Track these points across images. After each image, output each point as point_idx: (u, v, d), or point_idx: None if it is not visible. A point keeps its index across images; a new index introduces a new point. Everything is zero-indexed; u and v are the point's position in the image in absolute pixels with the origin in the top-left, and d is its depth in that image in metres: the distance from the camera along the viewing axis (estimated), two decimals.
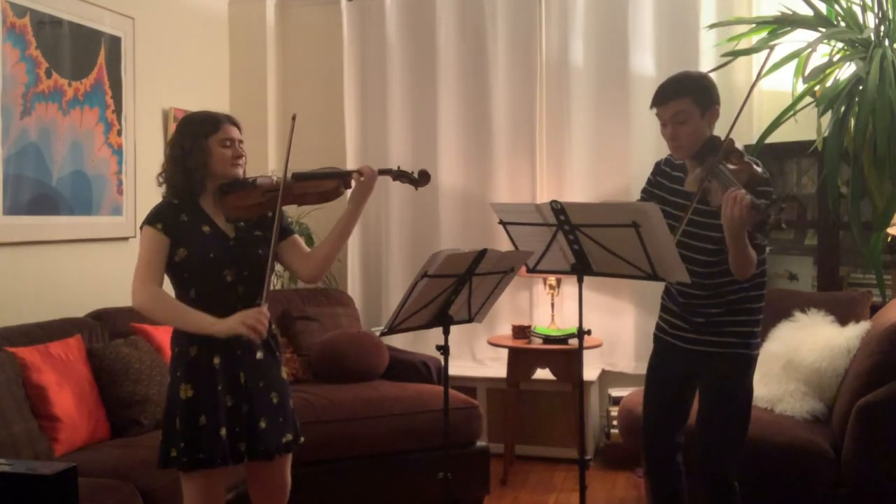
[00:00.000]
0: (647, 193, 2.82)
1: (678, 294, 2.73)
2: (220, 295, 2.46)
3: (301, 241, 2.69)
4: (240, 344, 2.45)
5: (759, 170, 2.49)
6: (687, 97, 2.57)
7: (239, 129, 2.57)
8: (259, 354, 2.52)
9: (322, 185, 2.57)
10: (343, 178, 2.58)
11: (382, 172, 2.63)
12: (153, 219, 2.47)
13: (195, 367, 2.44)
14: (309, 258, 2.65)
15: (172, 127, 4.54)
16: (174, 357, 2.49)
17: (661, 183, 2.78)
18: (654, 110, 2.65)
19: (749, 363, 2.67)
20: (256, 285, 2.49)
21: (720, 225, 2.43)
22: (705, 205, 2.50)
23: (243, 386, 2.48)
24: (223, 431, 2.42)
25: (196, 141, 2.48)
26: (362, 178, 2.56)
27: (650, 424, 2.88)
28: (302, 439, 2.63)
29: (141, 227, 2.50)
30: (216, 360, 2.44)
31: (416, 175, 2.67)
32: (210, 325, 2.39)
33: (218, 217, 2.53)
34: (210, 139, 2.49)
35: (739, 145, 2.57)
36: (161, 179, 2.58)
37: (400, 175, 2.66)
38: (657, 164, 2.84)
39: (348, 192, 2.63)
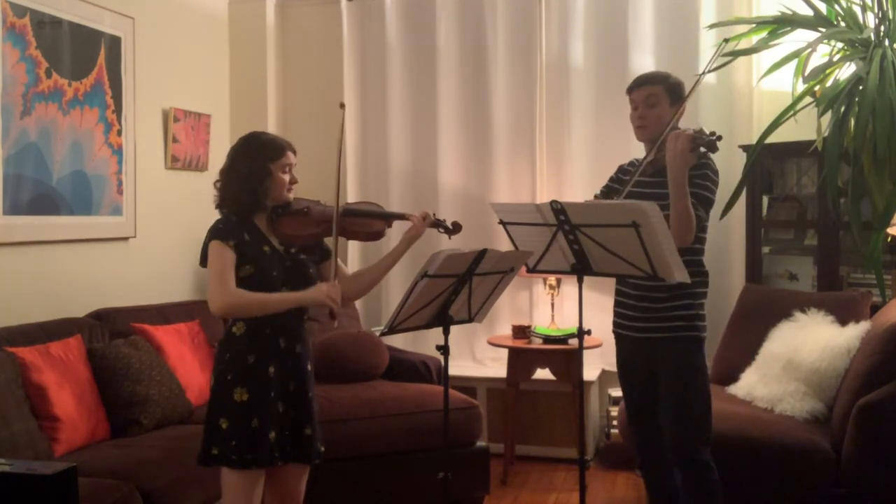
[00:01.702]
0: (607, 188, 3.01)
1: (632, 283, 2.87)
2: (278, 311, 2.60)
3: (342, 263, 2.81)
4: (293, 355, 2.62)
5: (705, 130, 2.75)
6: (660, 84, 2.87)
7: (295, 154, 2.72)
8: (309, 366, 2.68)
9: (371, 225, 2.75)
10: (388, 219, 2.76)
11: (434, 224, 2.80)
12: (225, 235, 2.57)
13: (251, 374, 2.56)
14: (350, 282, 2.78)
15: (173, 127, 4.55)
16: (224, 361, 2.60)
17: (623, 179, 2.97)
18: (629, 96, 2.91)
19: (699, 345, 2.83)
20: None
21: (666, 203, 2.65)
22: (662, 175, 2.70)
23: (292, 394, 2.62)
24: (272, 435, 2.54)
25: (263, 164, 2.62)
26: (417, 222, 2.74)
27: (631, 417, 3.03)
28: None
29: (210, 241, 2.57)
30: (272, 370, 2.58)
31: (450, 225, 2.84)
32: (298, 298, 2.58)
33: (272, 237, 2.67)
34: (274, 164, 2.63)
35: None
36: (220, 192, 2.67)
37: (436, 223, 2.81)
38: (620, 166, 3.08)
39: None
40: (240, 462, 2.51)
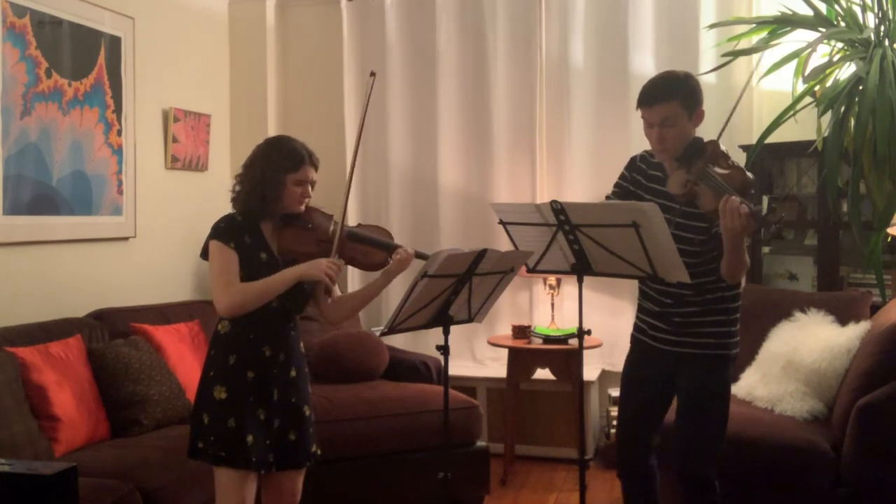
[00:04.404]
0: (621, 189, 2.81)
1: (661, 294, 2.72)
2: (263, 317, 2.60)
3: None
4: (276, 363, 2.60)
5: (749, 175, 2.51)
6: (675, 100, 2.57)
7: (316, 169, 2.66)
8: (293, 373, 2.66)
9: (373, 255, 2.71)
10: (390, 251, 2.70)
11: (418, 256, 2.73)
12: (226, 236, 2.57)
13: (231, 374, 2.57)
14: (335, 306, 2.76)
15: (173, 127, 4.55)
16: (210, 358, 2.63)
17: (638, 180, 2.77)
18: (640, 111, 2.64)
19: (727, 364, 2.71)
20: (295, 312, 2.69)
21: (703, 227, 2.55)
22: (692, 207, 2.54)
23: (276, 402, 2.60)
24: (249, 438, 2.53)
25: (277, 174, 2.58)
26: (399, 258, 2.67)
27: (626, 427, 2.88)
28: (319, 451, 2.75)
29: (210, 240, 2.58)
30: (250, 375, 2.57)
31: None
32: (297, 274, 2.55)
33: (273, 243, 2.64)
34: (289, 175, 2.59)
35: (724, 146, 2.58)
36: (235, 192, 2.65)
37: (418, 255, 2.74)
38: (632, 160, 2.83)
39: None
40: (214, 459, 2.53)
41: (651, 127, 2.62)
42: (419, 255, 2.71)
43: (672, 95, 2.57)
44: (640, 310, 2.86)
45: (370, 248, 2.70)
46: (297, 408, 2.65)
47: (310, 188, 2.65)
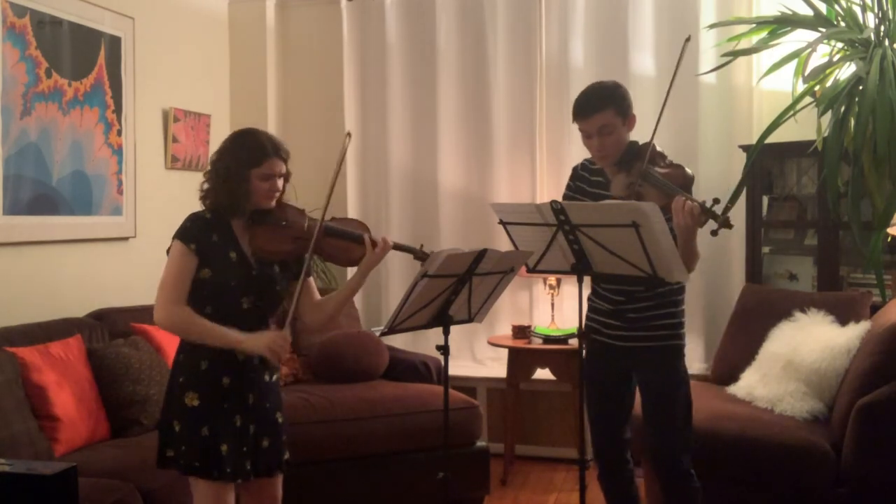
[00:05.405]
0: (567, 199, 2.90)
1: (613, 292, 2.81)
2: (234, 317, 2.49)
3: (314, 286, 2.72)
4: (251, 367, 2.52)
5: (689, 171, 2.64)
6: (609, 108, 2.70)
7: (285, 161, 2.54)
8: (267, 377, 2.58)
9: (352, 250, 2.59)
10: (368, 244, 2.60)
11: (396, 248, 2.65)
12: (188, 237, 2.46)
13: (203, 380, 2.47)
14: (316, 309, 2.68)
15: (172, 127, 4.54)
16: (178, 363, 2.52)
17: (581, 187, 2.89)
18: (577, 124, 2.75)
19: (681, 353, 2.82)
20: (269, 312, 2.59)
21: None
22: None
23: (251, 406, 2.52)
24: (224, 448, 2.44)
25: (240, 169, 2.47)
26: (376, 250, 2.58)
27: (596, 426, 2.94)
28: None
29: (173, 239, 2.49)
30: (225, 381, 2.48)
31: (421, 252, 2.67)
32: (237, 342, 2.44)
33: (244, 241, 2.53)
34: (252, 171, 2.47)
35: (660, 147, 2.68)
36: (203, 190, 2.55)
37: (412, 251, 2.68)
38: (575, 169, 2.97)
39: None
40: (187, 468, 2.44)
41: (590, 137, 2.75)
42: (398, 247, 2.64)
43: (606, 104, 2.70)
44: (592, 310, 2.92)
45: (349, 244, 2.59)
46: (270, 413, 2.57)
47: (279, 182, 2.51)
